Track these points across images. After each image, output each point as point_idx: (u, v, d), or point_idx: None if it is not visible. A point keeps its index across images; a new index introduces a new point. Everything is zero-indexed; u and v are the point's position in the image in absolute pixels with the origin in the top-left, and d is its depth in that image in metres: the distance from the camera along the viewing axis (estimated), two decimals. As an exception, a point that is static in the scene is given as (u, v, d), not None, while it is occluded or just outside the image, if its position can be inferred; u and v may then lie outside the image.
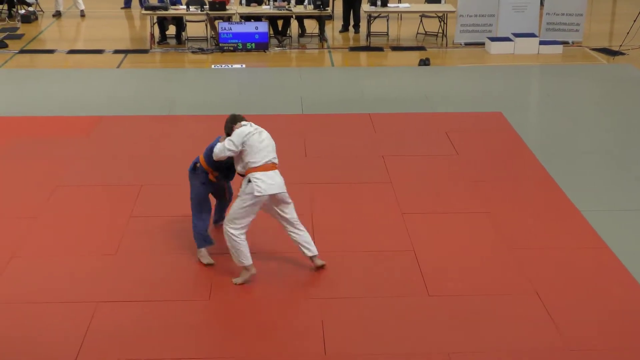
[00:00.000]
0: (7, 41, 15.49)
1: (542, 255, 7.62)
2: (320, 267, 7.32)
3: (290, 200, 7.24)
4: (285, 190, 7.14)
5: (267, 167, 7.05)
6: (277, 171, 7.15)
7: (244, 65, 14.28)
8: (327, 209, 8.53)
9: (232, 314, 6.72)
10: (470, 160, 9.84)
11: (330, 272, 7.32)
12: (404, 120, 11.26)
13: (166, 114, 11.53)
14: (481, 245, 7.82)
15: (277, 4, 15.53)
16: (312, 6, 15.46)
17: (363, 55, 15.25)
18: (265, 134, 7.26)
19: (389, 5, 16.00)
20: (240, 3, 15.81)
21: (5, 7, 17.71)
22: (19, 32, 16.47)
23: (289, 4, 15.58)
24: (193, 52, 15.18)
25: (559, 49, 15.18)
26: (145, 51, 15.24)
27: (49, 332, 6.41)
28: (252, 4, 15.70)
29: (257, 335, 6.43)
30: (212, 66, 14.27)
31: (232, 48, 15.11)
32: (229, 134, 7.32)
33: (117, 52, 15.17)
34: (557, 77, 13.60)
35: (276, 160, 7.21)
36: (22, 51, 15.09)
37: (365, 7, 15.92)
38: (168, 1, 15.38)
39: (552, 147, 10.28)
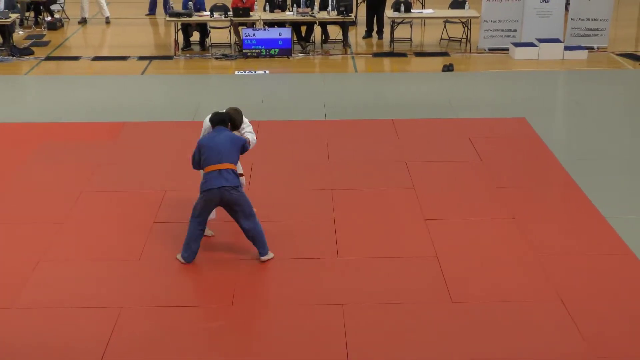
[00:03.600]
0: (33, 48, 15.64)
1: (566, 261, 7.57)
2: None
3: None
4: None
5: None
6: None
7: (267, 72, 14.32)
8: (350, 215, 8.53)
9: (254, 320, 6.73)
10: (494, 166, 9.79)
11: (353, 278, 7.32)
12: (427, 126, 11.23)
13: (190, 120, 11.58)
14: (505, 251, 7.78)
15: (300, 10, 15.56)
16: (335, 12, 15.47)
17: (386, 61, 15.25)
18: None
19: (412, 11, 15.98)
20: (264, 9, 15.86)
21: (32, 14, 17.90)
22: (45, 39, 16.62)
23: (312, 10, 15.60)
24: (217, 58, 15.24)
25: (584, 54, 15.08)
26: (169, 57, 15.33)
27: (74, 337, 6.46)
28: (275, 10, 15.74)
29: (280, 341, 6.43)
30: (236, 72, 14.32)
31: (255, 54, 15.15)
32: (237, 127, 7.52)
33: (141, 58, 15.27)
34: (581, 82, 13.51)
35: None
36: (48, 58, 15.23)
37: (389, 12, 15.90)
38: (192, 8, 15.46)
39: (577, 153, 10.21)
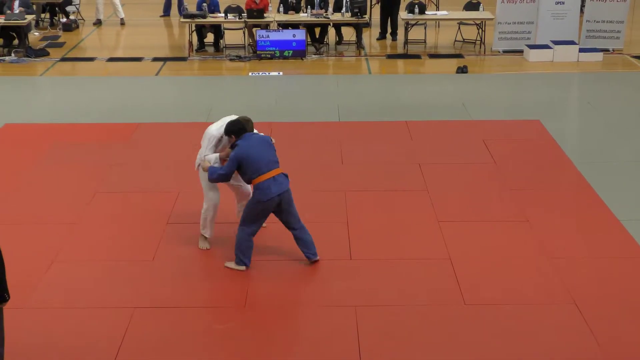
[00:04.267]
0: (49, 49, 15.72)
1: (580, 264, 7.53)
2: None
3: None
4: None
5: None
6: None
7: (281, 73, 14.33)
8: (363, 216, 8.52)
9: (267, 321, 6.72)
10: (508, 168, 9.76)
11: (366, 279, 7.31)
12: (441, 128, 11.21)
13: (204, 121, 11.59)
14: (519, 253, 7.75)
15: (314, 11, 15.57)
16: (349, 14, 15.48)
17: (400, 62, 15.23)
18: None
19: (426, 12, 15.98)
20: (278, 11, 15.88)
21: (48, 15, 17.99)
22: (60, 40, 16.70)
23: (326, 11, 15.61)
24: (231, 59, 15.27)
25: (599, 56, 15.01)
26: (183, 59, 15.37)
27: (86, 338, 6.47)
28: (289, 12, 15.75)
29: (292, 343, 6.44)
30: (250, 74, 14.34)
31: (269, 55, 15.17)
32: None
33: (155, 59, 15.31)
34: (596, 84, 13.46)
35: None
36: (63, 59, 15.31)
37: (403, 14, 15.89)
38: (206, 9, 15.49)
39: (591, 156, 10.16)
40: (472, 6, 16.46)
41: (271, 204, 7.18)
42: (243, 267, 7.44)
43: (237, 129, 7.26)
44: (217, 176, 7.23)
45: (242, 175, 7.25)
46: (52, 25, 17.81)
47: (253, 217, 7.31)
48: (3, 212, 8.60)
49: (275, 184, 7.17)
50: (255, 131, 7.50)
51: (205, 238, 7.89)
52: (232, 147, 7.27)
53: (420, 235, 8.13)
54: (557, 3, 15.39)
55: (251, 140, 7.21)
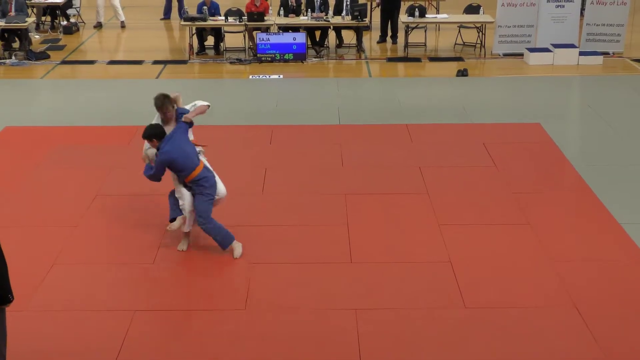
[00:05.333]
0: (49, 52, 15.73)
1: (581, 268, 7.53)
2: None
3: None
4: None
5: None
6: None
7: (281, 76, 14.34)
8: (364, 219, 8.52)
9: (267, 324, 6.72)
10: (509, 171, 9.76)
11: (366, 282, 7.31)
12: (442, 131, 11.21)
13: (204, 125, 11.58)
14: (519, 257, 7.75)
15: (315, 14, 15.58)
16: (349, 17, 15.49)
17: (400, 66, 15.24)
18: None
19: (426, 16, 15.99)
20: (279, 14, 15.89)
21: (49, 18, 18.01)
22: (61, 43, 16.71)
23: (326, 14, 15.62)
24: (231, 62, 15.28)
25: (599, 59, 15.02)
26: (184, 62, 15.38)
27: (87, 340, 6.47)
28: (290, 15, 15.76)
29: (292, 346, 6.43)
30: (250, 77, 14.35)
31: (270, 59, 15.18)
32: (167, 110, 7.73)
33: (156, 62, 15.32)
34: (597, 88, 13.46)
35: None
36: (63, 62, 15.32)
37: (403, 17, 15.90)
38: (207, 12, 15.50)
39: (592, 159, 10.16)
40: (472, 9, 16.46)
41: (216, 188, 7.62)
42: (238, 243, 7.67)
43: (159, 133, 7.48)
44: (149, 176, 7.64)
45: (177, 174, 7.58)
46: (53, 28, 17.83)
47: (208, 208, 7.57)
48: (4, 215, 8.59)
49: (207, 170, 7.63)
50: (174, 106, 7.75)
51: (186, 236, 7.88)
52: (158, 149, 7.48)
53: (421, 238, 8.13)
54: (557, 6, 15.40)
55: (174, 142, 7.43)
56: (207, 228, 7.66)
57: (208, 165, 7.83)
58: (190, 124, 7.72)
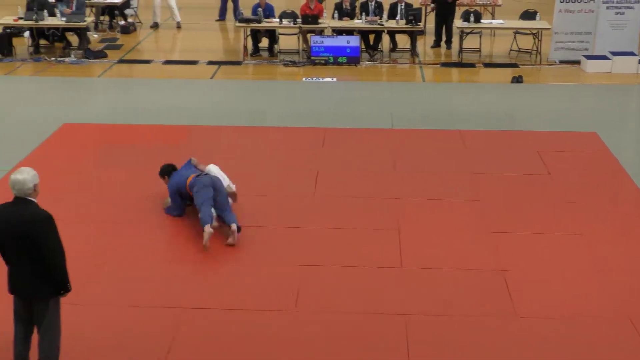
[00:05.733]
0: (107, 51, 15.97)
1: (635, 279, 7.40)
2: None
3: None
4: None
5: None
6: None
7: (334, 79, 14.35)
8: (414, 225, 8.48)
9: (317, 326, 6.72)
10: (563, 180, 9.63)
11: (416, 288, 7.27)
12: (495, 138, 11.11)
13: (257, 125, 11.68)
14: (572, 267, 7.64)
15: (369, 18, 15.57)
16: (404, 21, 15.44)
17: (454, 71, 15.14)
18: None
19: (482, 21, 15.86)
20: (333, 17, 15.91)
21: (107, 18, 18.29)
22: (118, 42, 16.96)
23: (381, 18, 15.60)
24: (285, 64, 15.34)
25: (659, 68, 14.75)
26: (238, 63, 15.48)
27: (138, 336, 6.55)
28: (344, 18, 15.77)
29: (341, 349, 6.42)
30: (303, 79, 14.39)
31: (323, 61, 15.21)
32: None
33: (210, 63, 15.46)
34: (656, 97, 13.22)
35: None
36: (120, 61, 15.54)
37: (458, 22, 15.80)
38: (261, 14, 15.59)
39: (650, 170, 9.98)
40: (528, 15, 16.29)
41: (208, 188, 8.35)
42: (209, 230, 7.97)
43: (169, 170, 8.81)
44: (171, 212, 8.68)
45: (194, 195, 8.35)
46: (111, 27, 18.09)
47: (203, 202, 8.19)
48: (59, 211, 8.70)
49: (197, 177, 8.44)
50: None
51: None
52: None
53: (472, 245, 8.06)
54: (616, 13, 15.15)
55: (175, 176, 8.65)
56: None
57: (210, 172, 8.70)
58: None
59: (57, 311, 5.80)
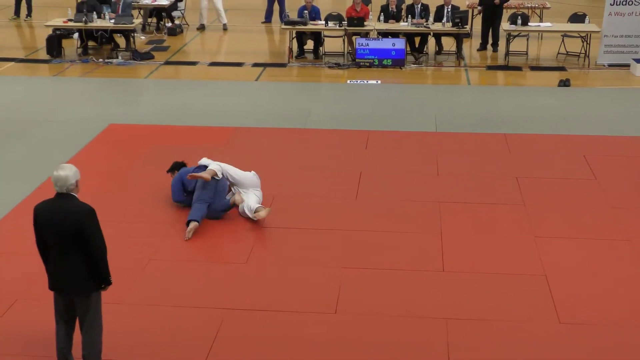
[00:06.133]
0: (153, 52, 16.15)
1: (683, 288, 7.25)
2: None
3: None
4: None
5: None
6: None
7: (379, 82, 14.33)
8: (457, 228, 8.42)
9: (356, 329, 6.71)
10: (610, 185, 9.48)
11: (458, 292, 7.22)
12: (540, 142, 10.98)
13: (301, 127, 11.70)
14: (618, 273, 7.52)
15: (415, 21, 15.51)
16: (450, 24, 15.35)
17: (500, 74, 15.01)
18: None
19: (529, 24, 15.70)
20: (379, 19, 15.88)
21: (154, 20, 18.50)
22: (165, 44, 17.14)
23: (427, 21, 15.53)
24: (330, 67, 15.36)
25: None
26: (283, 65, 15.54)
27: (179, 336, 6.60)
28: (390, 21, 15.74)
29: (382, 353, 6.40)
30: (348, 81, 14.38)
31: (368, 64, 15.19)
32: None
33: (256, 65, 15.54)
34: None
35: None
36: (167, 62, 15.70)
37: (505, 25, 15.66)
38: (307, 16, 15.64)
39: (699, 175, 9.77)
40: (577, 18, 16.09)
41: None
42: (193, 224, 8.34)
43: (178, 166, 9.16)
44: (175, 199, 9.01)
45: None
46: (158, 29, 18.30)
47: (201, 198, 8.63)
48: (104, 210, 8.81)
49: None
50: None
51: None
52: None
53: (516, 250, 7.98)
54: (668, 16, 14.89)
55: (180, 172, 9.03)
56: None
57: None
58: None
59: (98, 307, 5.88)
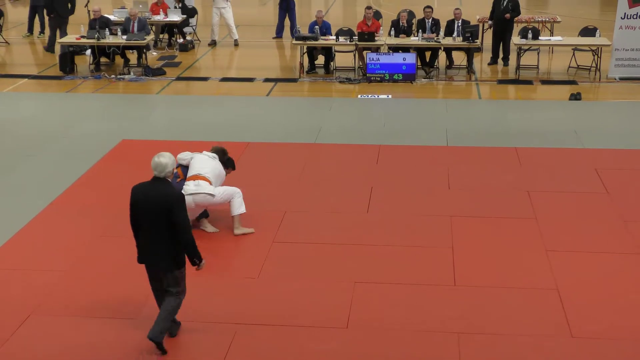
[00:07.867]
0: (165, 68, 16.25)
1: (696, 302, 7.22)
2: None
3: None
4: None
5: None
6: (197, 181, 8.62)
7: (390, 96, 14.36)
8: (469, 243, 8.42)
9: (368, 344, 6.71)
10: (622, 199, 9.46)
11: (470, 306, 7.21)
12: (552, 156, 10.98)
13: (312, 142, 11.74)
14: (631, 287, 7.49)
15: (425, 35, 15.56)
16: (461, 38, 15.39)
17: (511, 88, 15.02)
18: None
19: (540, 38, 15.72)
20: (389, 34, 15.94)
21: (166, 36, 18.62)
22: (176, 60, 17.25)
23: (437, 35, 15.57)
24: (341, 81, 15.41)
25: None
26: (294, 80, 15.60)
27: (192, 350, 6.62)
28: (400, 35, 15.79)
29: (393, 366, 6.40)
30: (359, 96, 14.42)
31: (379, 78, 15.23)
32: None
33: (267, 80, 15.61)
34: None
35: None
36: (178, 78, 15.79)
37: (516, 39, 15.68)
38: (318, 31, 15.71)
39: None
40: (588, 32, 16.10)
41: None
42: None
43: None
44: None
45: None
46: (170, 45, 18.42)
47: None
48: (117, 226, 8.88)
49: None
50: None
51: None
52: None
53: (527, 264, 7.97)
54: (679, 30, 14.88)
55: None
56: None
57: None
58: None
59: (183, 278, 6.50)
